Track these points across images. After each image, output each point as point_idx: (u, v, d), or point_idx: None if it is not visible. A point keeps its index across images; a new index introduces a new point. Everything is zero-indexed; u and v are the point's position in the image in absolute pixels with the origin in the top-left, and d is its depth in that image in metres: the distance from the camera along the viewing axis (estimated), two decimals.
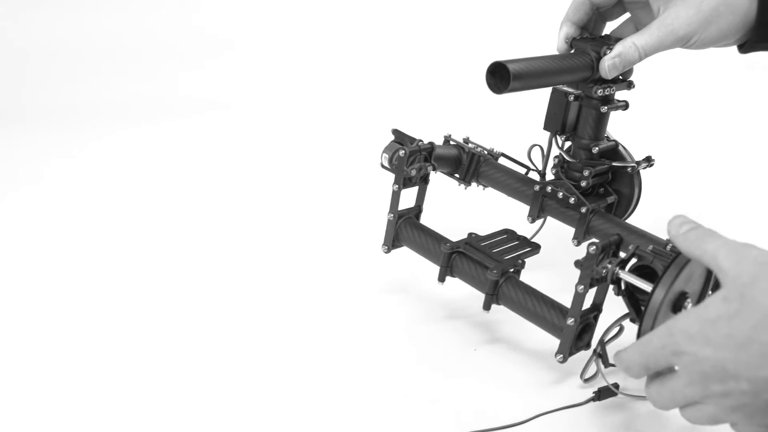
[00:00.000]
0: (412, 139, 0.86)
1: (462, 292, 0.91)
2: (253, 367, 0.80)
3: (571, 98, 0.82)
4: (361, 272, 0.97)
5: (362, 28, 1.72)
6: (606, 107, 0.82)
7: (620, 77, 0.81)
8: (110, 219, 1.11)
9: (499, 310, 0.81)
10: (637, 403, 0.73)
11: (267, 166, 1.27)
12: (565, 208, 0.86)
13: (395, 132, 0.87)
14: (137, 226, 1.09)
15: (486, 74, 0.72)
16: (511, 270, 0.79)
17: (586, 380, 0.74)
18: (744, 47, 0.76)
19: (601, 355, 0.71)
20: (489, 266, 0.78)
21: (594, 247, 0.66)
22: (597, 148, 0.84)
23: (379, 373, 0.79)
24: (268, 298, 0.92)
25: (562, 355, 0.72)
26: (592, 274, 0.66)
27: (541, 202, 0.87)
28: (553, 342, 0.81)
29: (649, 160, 0.86)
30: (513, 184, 0.90)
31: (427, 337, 0.84)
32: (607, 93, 0.80)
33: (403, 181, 0.83)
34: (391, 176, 0.84)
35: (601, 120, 0.83)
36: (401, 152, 0.82)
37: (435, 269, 0.83)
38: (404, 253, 0.90)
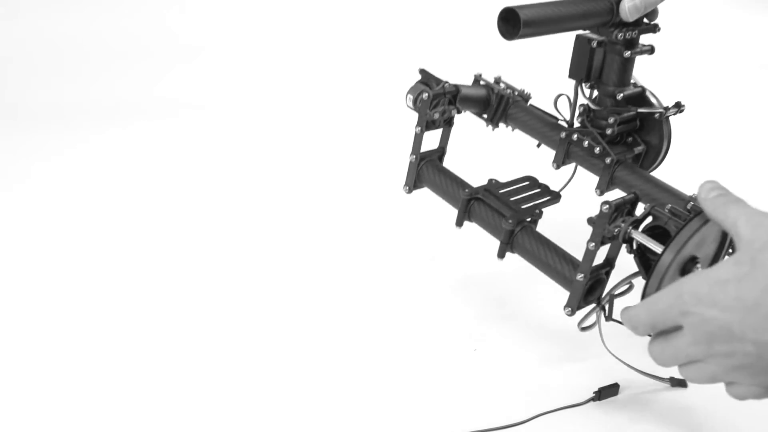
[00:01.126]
0: (438, 81, 0.84)
1: (462, 292, 0.91)
2: (247, 365, 0.79)
3: (594, 44, 0.79)
4: (359, 271, 0.97)
5: (337, 28, 1.72)
6: (629, 52, 0.79)
7: (644, 20, 0.79)
8: (96, 219, 1.10)
9: (499, 310, 0.81)
10: (637, 403, 0.73)
11: (245, 166, 1.26)
12: (590, 157, 0.84)
13: (422, 72, 0.86)
14: (122, 225, 1.08)
15: (498, 21, 0.71)
16: (528, 219, 0.78)
17: (583, 329, 0.73)
18: None
19: (603, 308, 0.71)
20: (505, 215, 0.77)
21: (607, 206, 0.65)
22: (621, 95, 0.81)
23: (379, 373, 0.78)
24: (260, 297, 0.91)
25: (570, 309, 0.71)
26: (603, 232, 0.66)
27: (567, 149, 0.85)
28: (553, 340, 0.81)
29: (678, 106, 0.83)
30: (541, 128, 0.88)
31: (427, 337, 0.84)
32: (629, 37, 0.78)
33: (426, 124, 0.82)
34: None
35: (626, 65, 0.80)
36: (425, 95, 0.82)
37: (433, 266, 0.83)
38: (404, 253, 0.90)
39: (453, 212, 0.82)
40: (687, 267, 0.60)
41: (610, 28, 0.78)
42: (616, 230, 0.65)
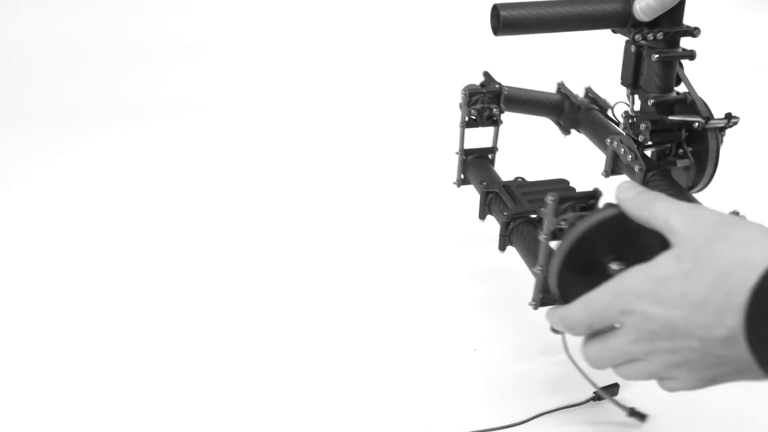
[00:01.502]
0: (495, 82, 0.85)
1: (462, 293, 0.91)
2: (248, 362, 0.79)
3: (632, 48, 0.75)
4: (358, 271, 0.97)
5: (337, 26, 1.72)
6: (657, 55, 0.73)
7: (667, 19, 0.72)
8: (96, 218, 1.09)
9: (499, 310, 0.81)
10: (637, 403, 0.73)
11: (245, 166, 1.25)
12: (627, 166, 0.80)
13: (485, 74, 0.87)
14: (122, 224, 1.08)
15: (491, 16, 0.70)
16: (533, 216, 0.77)
17: (553, 330, 0.66)
18: None
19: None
20: (508, 207, 0.78)
21: (552, 198, 0.62)
22: (653, 100, 0.76)
23: (380, 373, 0.78)
24: (260, 296, 0.91)
25: (534, 302, 0.69)
26: (551, 225, 0.64)
27: (612, 158, 0.82)
28: (553, 340, 0.81)
29: (729, 118, 0.75)
30: (601, 136, 0.85)
31: (427, 337, 0.84)
32: (650, 38, 0.73)
33: (468, 122, 0.83)
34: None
35: (658, 69, 0.75)
36: (462, 93, 0.84)
37: (434, 267, 0.83)
38: (403, 254, 0.90)
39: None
40: (599, 265, 0.58)
41: (631, 28, 0.73)
42: (563, 223, 0.63)
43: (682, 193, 0.76)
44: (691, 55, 0.74)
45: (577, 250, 0.58)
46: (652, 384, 0.72)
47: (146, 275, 0.96)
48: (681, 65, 0.77)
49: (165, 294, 0.92)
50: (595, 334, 0.55)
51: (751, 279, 0.44)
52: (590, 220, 0.57)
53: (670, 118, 0.75)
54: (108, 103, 1.50)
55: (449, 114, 1.36)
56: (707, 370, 0.49)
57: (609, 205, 0.58)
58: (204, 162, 1.27)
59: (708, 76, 1.64)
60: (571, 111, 0.90)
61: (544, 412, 0.72)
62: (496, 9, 0.70)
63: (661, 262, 0.50)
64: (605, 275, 0.56)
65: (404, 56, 1.64)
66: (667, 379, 0.53)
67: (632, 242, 0.58)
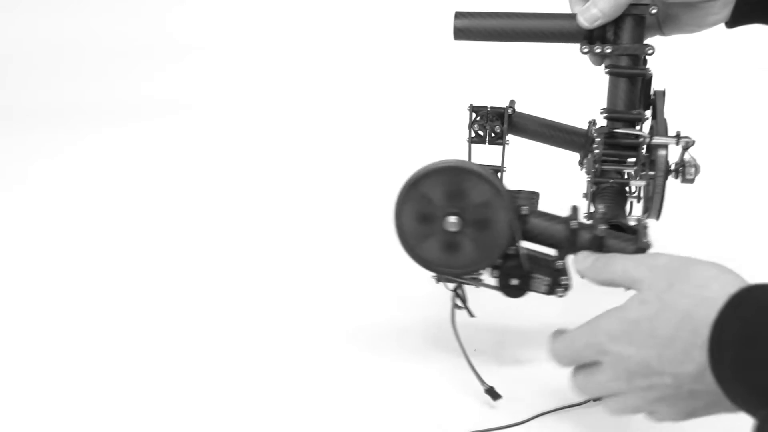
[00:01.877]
0: (509, 106, 0.81)
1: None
2: (244, 362, 0.79)
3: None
4: (358, 270, 0.97)
5: (324, 29, 1.71)
6: (607, 69, 0.73)
7: (627, 35, 0.71)
8: (92, 218, 1.09)
9: (499, 310, 0.81)
10: None
11: (241, 165, 1.25)
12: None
13: (511, 102, 0.83)
14: (117, 224, 1.08)
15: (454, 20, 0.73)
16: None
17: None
18: (729, 23, 0.73)
19: (457, 294, 0.75)
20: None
21: None
22: (605, 114, 0.74)
23: (380, 373, 0.78)
24: (253, 294, 0.91)
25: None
26: None
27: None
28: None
29: (679, 137, 0.71)
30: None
31: (428, 337, 0.83)
32: (600, 52, 0.72)
33: (473, 138, 0.81)
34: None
35: (611, 85, 0.74)
36: (468, 109, 0.81)
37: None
38: (402, 253, 0.89)
39: None
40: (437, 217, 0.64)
41: (586, 44, 0.72)
42: None
43: (621, 214, 0.74)
44: (644, 74, 0.72)
45: (413, 194, 0.64)
46: None
47: (141, 273, 0.96)
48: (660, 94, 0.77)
49: (159, 292, 0.92)
50: (583, 366, 0.59)
51: (712, 315, 0.48)
52: (425, 168, 0.63)
53: (616, 131, 0.73)
54: (104, 103, 1.50)
55: (452, 119, 1.36)
56: (684, 404, 0.52)
57: (451, 161, 0.63)
58: (198, 160, 1.27)
59: (708, 77, 1.65)
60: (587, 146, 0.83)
61: (544, 412, 0.71)
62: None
63: (629, 306, 0.54)
64: (444, 230, 0.64)
65: (398, 56, 1.63)
66: (653, 413, 0.56)
67: (467, 201, 0.63)
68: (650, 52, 0.72)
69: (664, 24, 0.75)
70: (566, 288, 0.67)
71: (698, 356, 0.49)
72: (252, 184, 1.19)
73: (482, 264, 0.67)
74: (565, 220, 0.65)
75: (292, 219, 1.07)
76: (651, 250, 0.62)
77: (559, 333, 0.61)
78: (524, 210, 0.66)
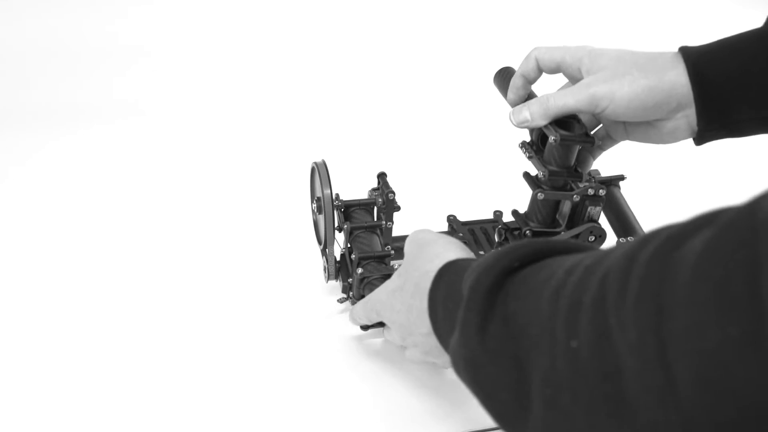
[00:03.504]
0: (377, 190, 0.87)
1: None
2: (233, 364, 0.79)
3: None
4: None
5: (280, 31, 1.69)
6: (555, 139, 0.75)
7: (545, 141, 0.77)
8: (66, 219, 1.06)
9: None
10: None
11: (217, 166, 1.22)
12: None
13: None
14: (88, 224, 1.04)
15: None
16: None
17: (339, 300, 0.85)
18: (697, 139, 0.73)
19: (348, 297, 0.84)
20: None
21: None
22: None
23: (380, 373, 0.78)
24: (226, 296, 0.90)
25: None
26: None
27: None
28: None
29: (589, 185, 0.78)
30: None
31: None
32: (527, 155, 0.79)
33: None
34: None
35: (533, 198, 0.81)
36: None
37: None
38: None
39: None
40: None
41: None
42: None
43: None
44: (591, 141, 0.74)
45: None
46: None
47: (122, 273, 0.93)
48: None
49: (141, 291, 0.90)
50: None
51: (428, 286, 0.58)
52: None
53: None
54: (74, 104, 1.47)
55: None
56: (440, 355, 0.61)
57: None
58: (167, 161, 1.24)
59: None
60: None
61: None
62: None
63: (392, 278, 0.67)
64: None
65: (375, 54, 1.61)
66: (431, 363, 0.68)
67: None
68: (581, 185, 0.78)
69: (629, 134, 0.77)
70: None
71: (427, 320, 0.59)
72: (236, 182, 1.17)
73: None
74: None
75: (280, 219, 1.05)
76: None
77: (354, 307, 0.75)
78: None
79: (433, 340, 0.58)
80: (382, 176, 0.87)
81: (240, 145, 1.31)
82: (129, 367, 0.79)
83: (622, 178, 0.93)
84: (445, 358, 0.59)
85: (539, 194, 0.76)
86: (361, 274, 0.79)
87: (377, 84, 1.50)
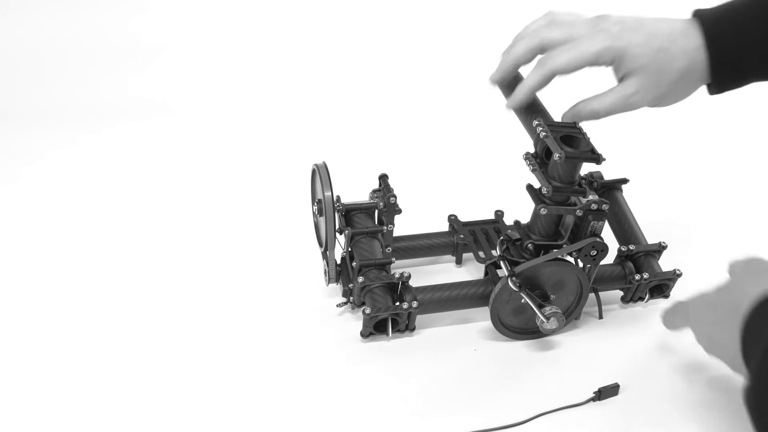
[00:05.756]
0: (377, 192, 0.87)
1: None
2: (231, 364, 0.79)
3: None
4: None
5: (301, 32, 1.69)
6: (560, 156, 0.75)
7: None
8: (78, 219, 1.07)
9: None
10: (637, 403, 0.73)
11: (226, 166, 1.23)
12: None
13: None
14: (103, 224, 1.06)
15: None
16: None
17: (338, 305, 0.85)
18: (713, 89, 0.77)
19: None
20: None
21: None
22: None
23: (379, 373, 0.78)
24: (238, 295, 0.90)
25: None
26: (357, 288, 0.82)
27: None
28: (553, 340, 0.81)
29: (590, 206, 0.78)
30: None
31: (427, 337, 0.83)
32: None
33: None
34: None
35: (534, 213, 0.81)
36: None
37: (431, 270, 0.83)
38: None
39: None
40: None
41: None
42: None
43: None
44: (596, 159, 0.73)
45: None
46: (654, 386, 0.72)
47: (125, 274, 0.94)
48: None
49: (144, 291, 0.91)
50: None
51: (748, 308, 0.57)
52: None
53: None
54: (90, 104, 1.48)
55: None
56: (736, 370, 0.61)
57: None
58: (186, 161, 1.24)
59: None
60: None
61: (544, 412, 0.72)
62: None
63: (712, 290, 0.65)
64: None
65: (379, 58, 1.62)
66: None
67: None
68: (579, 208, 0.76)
69: None
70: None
71: (737, 338, 0.58)
72: (242, 183, 1.18)
73: None
74: None
75: (281, 221, 1.05)
76: None
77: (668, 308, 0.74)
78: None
79: (739, 361, 0.58)
80: (383, 178, 0.87)
81: (240, 146, 1.31)
82: (130, 368, 0.79)
83: (625, 181, 0.93)
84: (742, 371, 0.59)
85: (542, 209, 0.76)
86: (362, 282, 0.79)
87: (378, 85, 1.51)
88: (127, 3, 1.68)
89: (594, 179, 0.90)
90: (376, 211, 0.86)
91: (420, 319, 0.83)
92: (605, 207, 0.77)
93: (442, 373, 0.78)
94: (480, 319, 0.86)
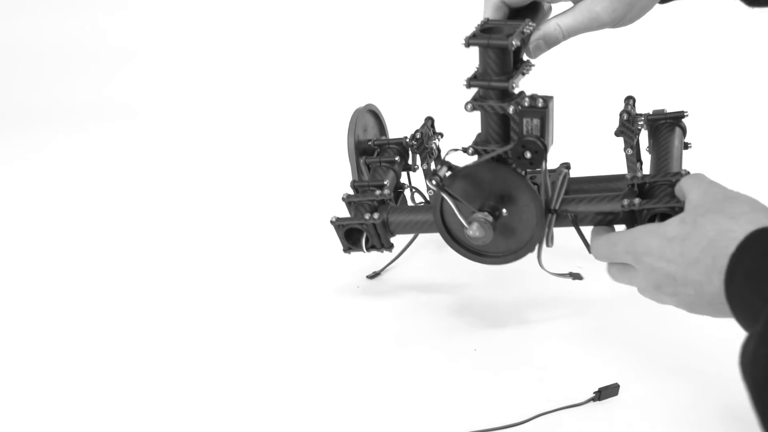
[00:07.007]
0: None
1: (462, 293, 0.90)
2: (233, 362, 0.80)
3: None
4: (359, 268, 0.97)
5: (272, 31, 1.69)
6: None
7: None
8: (55, 220, 1.08)
9: (499, 310, 0.81)
10: (637, 403, 0.73)
11: (212, 165, 1.23)
12: None
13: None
14: (79, 224, 1.06)
15: None
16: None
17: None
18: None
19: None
20: None
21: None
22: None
23: (378, 374, 0.78)
24: (237, 292, 0.91)
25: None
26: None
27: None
28: (553, 340, 0.81)
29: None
30: None
31: (427, 337, 0.84)
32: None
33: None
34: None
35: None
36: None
37: (435, 270, 0.83)
38: (406, 255, 0.89)
39: None
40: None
41: None
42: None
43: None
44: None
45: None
46: (655, 386, 0.72)
47: (115, 274, 0.95)
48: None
49: (137, 291, 0.92)
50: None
51: (731, 247, 0.53)
52: None
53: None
54: (64, 106, 1.48)
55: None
56: (700, 307, 0.58)
57: None
58: (162, 162, 1.24)
59: (707, 77, 1.64)
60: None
61: (544, 412, 0.72)
62: None
63: (670, 224, 0.60)
64: None
65: (367, 55, 1.61)
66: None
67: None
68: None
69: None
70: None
71: (716, 281, 0.54)
72: (233, 182, 1.18)
73: None
74: None
75: (278, 216, 1.06)
76: None
77: (601, 231, 0.70)
78: None
79: (708, 297, 0.56)
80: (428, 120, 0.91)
81: (237, 145, 1.31)
82: (133, 369, 0.80)
83: (682, 114, 0.86)
84: (707, 312, 0.58)
85: (467, 105, 0.71)
86: (348, 197, 0.83)
87: (378, 85, 1.51)
88: (102, 6, 1.68)
89: (650, 115, 0.86)
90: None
91: (419, 315, 0.83)
92: (540, 103, 0.69)
93: (441, 373, 0.78)
94: (480, 319, 0.86)
